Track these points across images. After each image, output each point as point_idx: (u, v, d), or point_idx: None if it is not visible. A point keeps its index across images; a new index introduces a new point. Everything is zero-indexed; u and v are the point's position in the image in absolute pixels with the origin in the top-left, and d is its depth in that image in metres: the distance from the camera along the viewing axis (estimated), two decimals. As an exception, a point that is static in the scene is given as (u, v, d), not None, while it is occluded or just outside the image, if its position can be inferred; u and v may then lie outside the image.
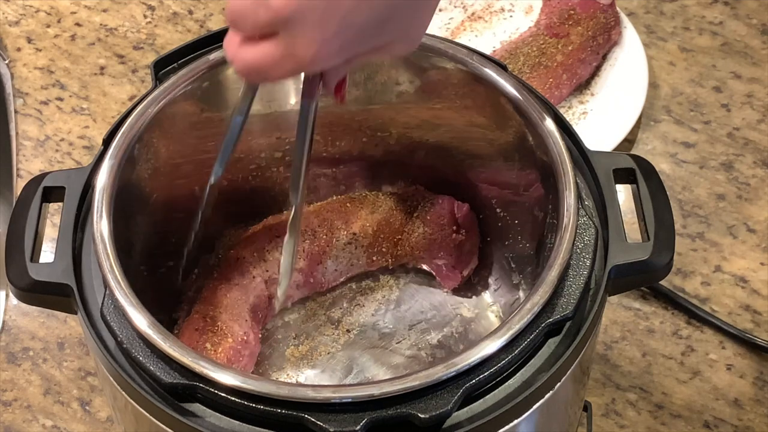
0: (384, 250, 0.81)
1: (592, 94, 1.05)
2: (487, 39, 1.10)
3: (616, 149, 0.99)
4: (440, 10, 1.12)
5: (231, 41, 0.58)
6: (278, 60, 0.56)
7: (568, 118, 0.90)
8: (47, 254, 0.67)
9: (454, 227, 0.81)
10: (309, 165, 0.68)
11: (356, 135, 0.82)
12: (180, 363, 0.60)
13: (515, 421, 0.61)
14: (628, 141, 1.03)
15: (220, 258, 0.80)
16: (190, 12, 1.16)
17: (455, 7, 1.13)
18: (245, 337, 0.75)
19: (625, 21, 1.08)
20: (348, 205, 0.81)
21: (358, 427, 0.58)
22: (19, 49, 1.13)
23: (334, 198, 0.83)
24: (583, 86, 1.06)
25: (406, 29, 0.58)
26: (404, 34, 0.58)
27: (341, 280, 0.82)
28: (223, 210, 0.81)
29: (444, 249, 0.81)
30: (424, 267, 0.83)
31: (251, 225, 0.81)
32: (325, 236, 0.80)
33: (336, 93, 0.64)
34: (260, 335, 0.79)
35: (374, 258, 0.82)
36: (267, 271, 0.78)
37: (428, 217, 0.81)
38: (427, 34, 0.77)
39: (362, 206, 0.81)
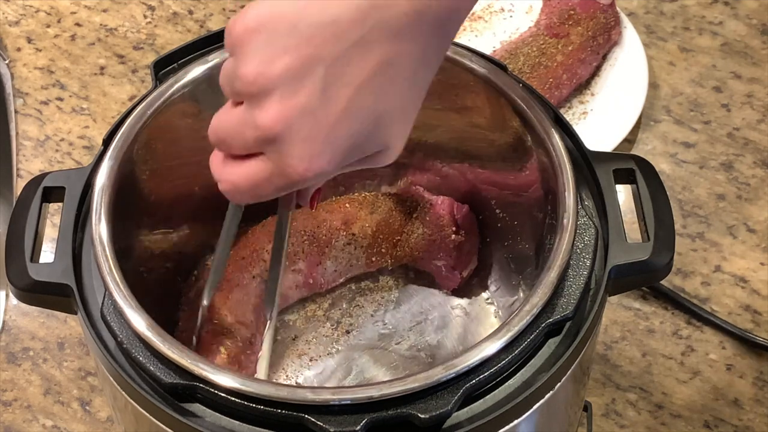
0: (383, 250, 0.81)
1: (592, 94, 1.05)
2: (487, 39, 1.10)
3: (616, 149, 0.99)
4: (440, 10, 1.12)
5: (216, 159, 0.58)
6: (267, 178, 0.55)
7: (568, 118, 0.90)
8: (47, 254, 0.67)
9: (453, 228, 0.81)
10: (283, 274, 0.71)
11: (356, 136, 0.82)
12: (179, 365, 0.60)
13: (515, 421, 0.61)
14: (628, 141, 1.03)
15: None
16: (190, 12, 1.16)
17: (455, 7, 1.13)
18: (252, 340, 0.75)
19: (625, 21, 1.08)
20: (347, 205, 0.81)
21: (358, 428, 0.58)
22: (19, 49, 1.13)
23: (333, 199, 0.83)
24: (583, 86, 1.06)
25: (388, 140, 0.57)
26: (387, 145, 0.58)
27: (340, 280, 0.82)
28: (222, 211, 0.81)
29: (443, 250, 0.81)
30: (424, 268, 0.83)
31: (251, 225, 0.81)
32: (324, 237, 0.80)
33: (311, 203, 0.65)
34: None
35: (373, 259, 0.82)
36: (267, 270, 0.78)
37: (427, 218, 0.81)
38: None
39: (361, 207, 0.81)
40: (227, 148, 0.57)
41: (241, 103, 0.55)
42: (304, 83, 0.53)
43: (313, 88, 0.53)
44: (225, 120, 0.56)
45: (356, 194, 0.84)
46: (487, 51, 1.06)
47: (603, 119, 1.03)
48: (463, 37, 1.10)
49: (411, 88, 0.56)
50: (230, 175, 0.57)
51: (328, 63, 0.53)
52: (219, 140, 0.57)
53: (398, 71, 0.55)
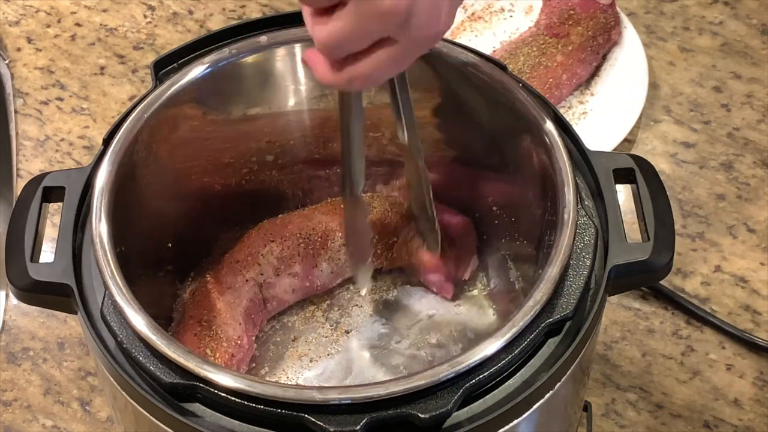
0: (379, 251, 0.81)
1: (592, 94, 1.05)
2: (487, 39, 1.10)
3: (616, 149, 0.99)
4: (440, 10, 1.12)
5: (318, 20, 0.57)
6: None
7: (568, 118, 0.90)
8: (47, 254, 0.67)
9: (447, 243, 0.80)
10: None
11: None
12: (180, 365, 0.60)
13: (515, 421, 0.61)
14: (628, 141, 1.03)
15: (215, 261, 0.80)
16: (190, 12, 1.16)
17: (455, 7, 1.13)
18: (239, 341, 0.75)
19: (625, 21, 1.08)
20: (342, 207, 0.81)
21: (358, 427, 0.58)
22: (19, 49, 1.13)
23: (329, 200, 0.83)
24: (583, 86, 1.06)
25: None
26: None
27: (338, 281, 0.82)
28: (218, 214, 0.81)
29: (437, 268, 0.81)
30: (419, 278, 0.83)
31: (246, 229, 0.81)
32: (319, 239, 0.80)
33: None
34: (255, 337, 0.79)
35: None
36: (261, 274, 0.78)
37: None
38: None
39: (356, 209, 0.81)
40: None
41: None
42: None
43: None
44: None
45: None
46: (487, 51, 1.06)
47: (603, 119, 1.03)
48: (463, 37, 1.10)
49: None
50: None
51: None
52: None
53: None
